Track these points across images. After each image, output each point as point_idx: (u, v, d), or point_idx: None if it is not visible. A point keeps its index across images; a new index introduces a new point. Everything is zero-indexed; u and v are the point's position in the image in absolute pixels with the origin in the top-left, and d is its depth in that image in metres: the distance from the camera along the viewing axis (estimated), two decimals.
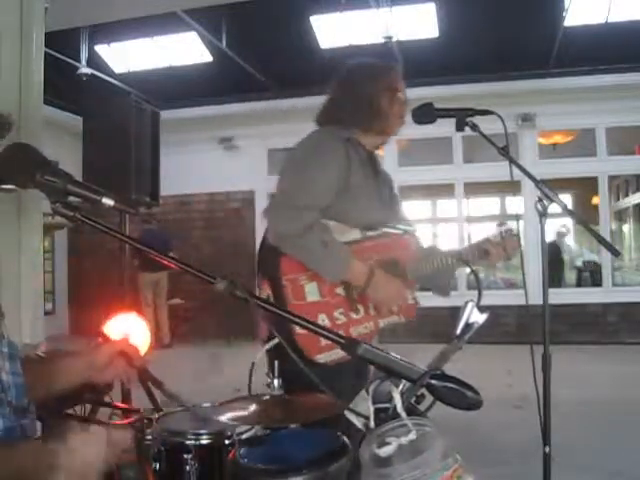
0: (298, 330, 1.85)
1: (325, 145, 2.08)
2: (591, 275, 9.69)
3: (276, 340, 1.69)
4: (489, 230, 2.19)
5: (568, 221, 9.97)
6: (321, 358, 1.89)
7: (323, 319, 1.97)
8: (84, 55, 7.99)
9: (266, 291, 2.01)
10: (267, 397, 1.53)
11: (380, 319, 2.07)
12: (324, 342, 1.73)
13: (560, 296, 7.79)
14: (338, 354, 1.81)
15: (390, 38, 7.45)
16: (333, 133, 2.12)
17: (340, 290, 2.02)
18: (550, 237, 9.90)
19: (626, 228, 11.89)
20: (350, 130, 2.14)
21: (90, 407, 2.39)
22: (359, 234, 2.06)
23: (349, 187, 2.04)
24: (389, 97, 2.16)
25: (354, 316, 2.02)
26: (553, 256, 9.74)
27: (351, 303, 2.02)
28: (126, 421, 1.68)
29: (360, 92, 2.15)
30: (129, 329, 3.11)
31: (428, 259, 2.13)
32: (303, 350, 1.87)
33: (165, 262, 1.14)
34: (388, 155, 8.90)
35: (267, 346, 1.79)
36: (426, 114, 2.11)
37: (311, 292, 1.98)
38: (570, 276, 10.35)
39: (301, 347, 1.86)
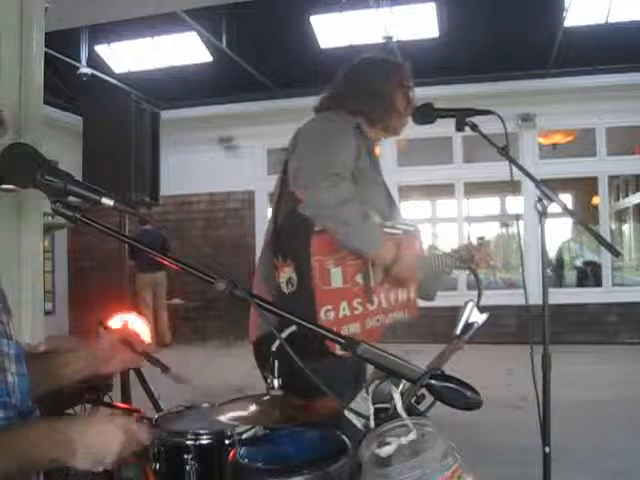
0: (323, 320, 1.84)
1: (337, 125, 2.07)
2: (591, 275, 9.69)
3: (281, 337, 1.69)
4: (489, 231, 2.25)
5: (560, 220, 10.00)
6: (341, 351, 1.88)
7: (344, 307, 1.94)
8: (84, 55, 7.98)
9: (288, 273, 1.94)
10: (267, 397, 1.53)
11: (390, 312, 2.06)
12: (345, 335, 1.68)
13: (560, 296, 7.79)
14: None
15: (390, 38, 7.45)
16: (341, 117, 2.11)
17: (359, 278, 1.99)
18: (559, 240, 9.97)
19: (626, 228, 11.88)
20: (356, 118, 2.14)
21: (90, 407, 2.39)
22: (378, 220, 2.05)
23: (359, 172, 2.04)
24: (402, 94, 2.17)
25: (370, 307, 2.00)
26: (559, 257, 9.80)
27: (368, 294, 2.00)
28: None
29: (373, 86, 2.16)
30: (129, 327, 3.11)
31: (429, 259, 2.13)
32: (325, 342, 1.85)
33: (166, 262, 1.14)
34: (388, 155, 8.90)
35: (275, 344, 1.78)
36: (426, 114, 2.11)
37: (335, 277, 1.94)
38: (570, 276, 10.35)
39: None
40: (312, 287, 1.89)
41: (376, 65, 2.23)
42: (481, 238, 2.25)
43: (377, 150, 2.33)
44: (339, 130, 2.05)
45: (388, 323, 2.07)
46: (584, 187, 10.37)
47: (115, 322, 2.85)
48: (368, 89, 2.15)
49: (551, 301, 1.90)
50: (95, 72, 8.21)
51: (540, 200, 1.86)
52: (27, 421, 1.13)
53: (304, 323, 1.14)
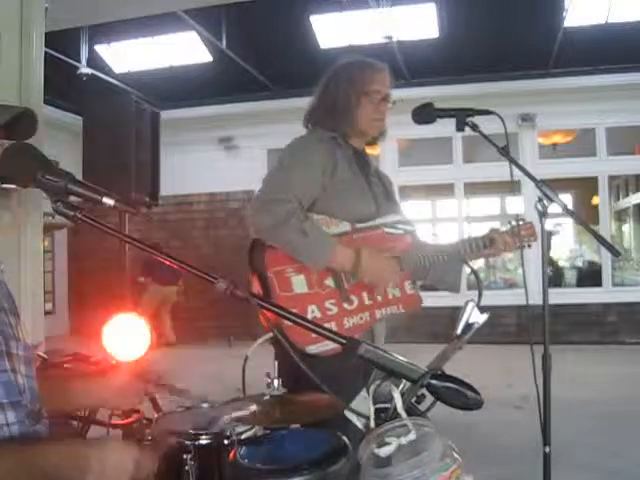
0: (287, 322, 1.87)
1: (308, 145, 2.14)
2: (591, 275, 9.68)
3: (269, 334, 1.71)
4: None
5: (563, 220, 9.94)
6: (313, 349, 1.90)
7: (313, 310, 1.99)
8: (84, 55, 7.97)
9: (255, 286, 2.04)
10: (267, 397, 1.53)
11: (377, 309, 2.07)
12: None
13: (560, 296, 7.78)
14: (329, 345, 1.81)
15: (390, 38, 7.45)
16: (318, 134, 2.17)
17: (330, 282, 2.03)
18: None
19: (626, 228, 11.87)
20: (334, 132, 2.18)
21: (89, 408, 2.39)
22: (348, 226, 2.09)
23: (335, 183, 2.09)
24: (369, 98, 2.17)
25: (347, 307, 2.03)
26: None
27: (343, 294, 2.03)
28: (127, 421, 1.68)
29: (330, 95, 2.20)
30: (129, 329, 3.10)
31: (421, 253, 2.13)
32: (294, 342, 1.87)
33: (167, 262, 1.14)
34: (388, 155, 8.90)
35: (261, 340, 1.80)
36: (426, 114, 2.11)
37: (298, 284, 2.01)
38: (570, 276, 10.33)
39: (292, 339, 1.86)
40: (273, 296, 1.97)
41: (339, 75, 2.22)
42: (522, 219, 2.16)
43: (376, 151, 2.35)
44: (308, 149, 2.11)
45: (380, 318, 2.08)
46: (584, 187, 10.36)
47: (115, 322, 2.84)
48: (334, 103, 2.18)
49: (551, 301, 1.90)
50: (95, 72, 8.21)
51: (540, 200, 1.86)
52: (47, 439, 1.14)
53: (303, 322, 1.15)
